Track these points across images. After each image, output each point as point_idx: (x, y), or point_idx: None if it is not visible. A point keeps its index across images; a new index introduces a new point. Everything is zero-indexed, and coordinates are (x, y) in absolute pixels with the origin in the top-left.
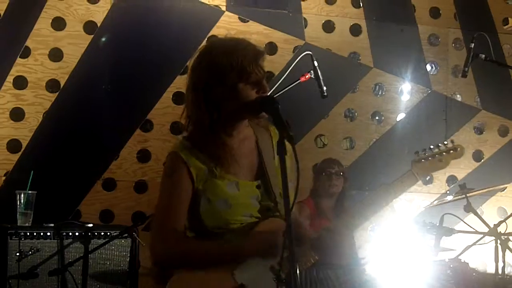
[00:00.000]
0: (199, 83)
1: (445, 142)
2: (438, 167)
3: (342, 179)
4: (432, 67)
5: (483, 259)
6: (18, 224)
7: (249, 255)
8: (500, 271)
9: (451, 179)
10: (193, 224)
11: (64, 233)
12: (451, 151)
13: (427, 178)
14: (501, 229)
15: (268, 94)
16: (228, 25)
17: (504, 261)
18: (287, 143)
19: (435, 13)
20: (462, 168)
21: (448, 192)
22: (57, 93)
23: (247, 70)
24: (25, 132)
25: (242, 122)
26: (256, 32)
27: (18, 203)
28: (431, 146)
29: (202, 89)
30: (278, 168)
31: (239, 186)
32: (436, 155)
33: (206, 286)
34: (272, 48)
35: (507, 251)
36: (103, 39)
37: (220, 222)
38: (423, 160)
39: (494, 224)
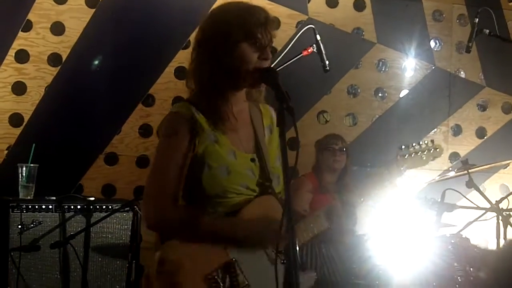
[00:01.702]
0: (203, 40)
1: (425, 141)
2: (419, 163)
3: (345, 155)
4: (436, 43)
5: (484, 235)
6: (20, 197)
7: (239, 243)
8: None
9: (454, 156)
10: (190, 192)
11: (66, 206)
12: (432, 150)
13: None
14: (503, 205)
15: (270, 66)
16: None
17: (505, 238)
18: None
19: None
20: (465, 145)
21: (450, 168)
22: (59, 67)
23: (253, 31)
24: (27, 106)
25: (240, 92)
26: None
27: (20, 176)
28: (414, 144)
29: (205, 46)
30: (269, 146)
31: (236, 155)
32: (419, 152)
33: (197, 257)
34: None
35: (509, 227)
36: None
37: (219, 190)
38: (407, 156)
39: (496, 201)
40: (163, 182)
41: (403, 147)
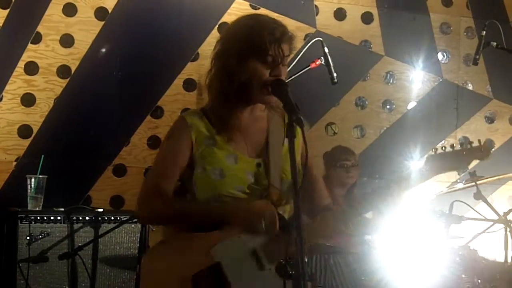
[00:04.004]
0: (218, 53)
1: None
2: (455, 165)
3: (357, 170)
4: (443, 56)
5: (492, 247)
6: (29, 208)
7: (232, 223)
8: (509, 259)
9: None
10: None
11: (74, 218)
12: (475, 151)
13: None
14: (511, 217)
15: (280, 78)
16: (239, 12)
17: None
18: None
19: (447, 1)
20: None
21: (458, 180)
22: (68, 79)
23: (265, 47)
24: (36, 117)
25: (255, 102)
26: None
27: (29, 187)
28: (453, 144)
29: (219, 59)
30: (287, 153)
31: (238, 159)
32: (455, 152)
33: (181, 261)
34: None
35: None
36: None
37: (212, 193)
38: (438, 155)
39: (504, 212)
40: (158, 179)
41: (437, 148)
